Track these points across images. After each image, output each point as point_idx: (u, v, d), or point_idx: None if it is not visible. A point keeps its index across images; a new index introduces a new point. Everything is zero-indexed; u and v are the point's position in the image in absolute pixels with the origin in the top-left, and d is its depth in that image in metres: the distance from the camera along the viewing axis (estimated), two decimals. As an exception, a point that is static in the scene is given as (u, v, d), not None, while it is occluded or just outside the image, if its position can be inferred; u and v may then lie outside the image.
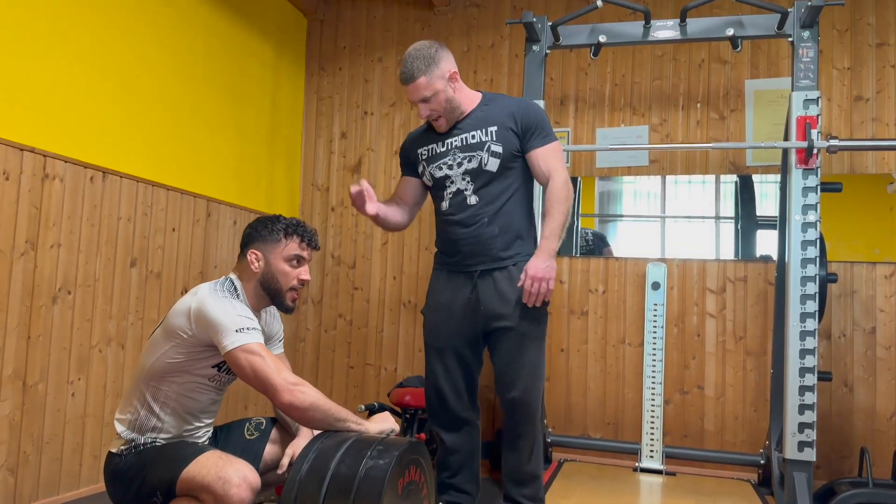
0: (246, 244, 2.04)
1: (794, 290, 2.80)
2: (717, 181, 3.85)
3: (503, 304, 2.36)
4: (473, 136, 2.40)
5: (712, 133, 3.78)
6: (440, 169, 2.43)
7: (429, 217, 4.13)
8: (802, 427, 2.74)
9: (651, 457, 3.33)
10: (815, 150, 2.78)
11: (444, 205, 2.45)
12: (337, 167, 4.33)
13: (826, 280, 2.93)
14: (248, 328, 1.84)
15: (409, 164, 2.55)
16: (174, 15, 3.21)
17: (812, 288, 2.78)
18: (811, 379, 2.76)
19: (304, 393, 1.81)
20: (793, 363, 2.78)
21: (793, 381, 2.78)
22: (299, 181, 4.37)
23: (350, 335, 4.21)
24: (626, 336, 3.75)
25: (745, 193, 3.78)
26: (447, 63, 2.34)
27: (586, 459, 3.70)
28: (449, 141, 2.43)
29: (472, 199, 2.39)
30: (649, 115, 3.85)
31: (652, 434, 3.28)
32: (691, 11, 2.97)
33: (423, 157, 2.48)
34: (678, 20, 3.00)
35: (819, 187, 2.82)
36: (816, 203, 2.81)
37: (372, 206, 2.37)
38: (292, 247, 2.02)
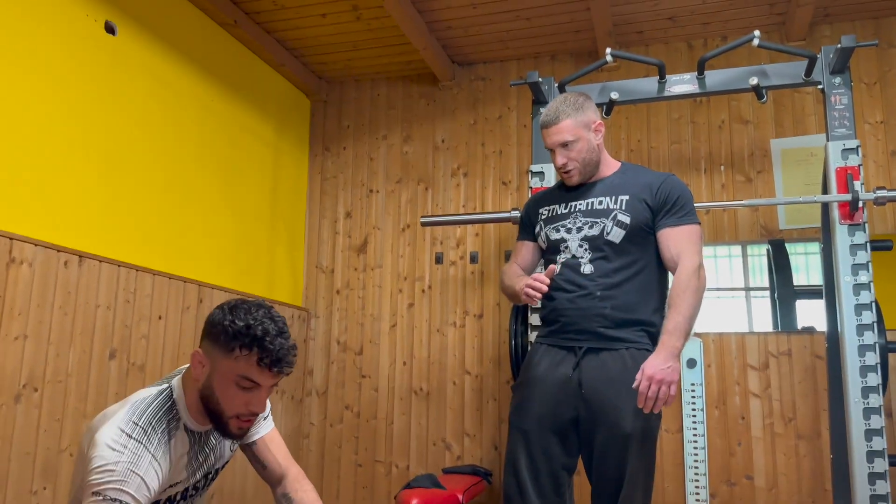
0: (202, 335, 1.54)
1: (851, 362, 2.47)
2: (744, 251, 3.57)
3: (610, 395, 2.01)
4: (601, 203, 2.16)
5: (739, 196, 3.52)
6: (557, 231, 2.19)
7: (439, 297, 3.86)
8: (878, 523, 2.35)
9: (700, 561, 2.91)
10: (860, 203, 2.50)
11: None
12: (342, 248, 4.11)
13: (887, 349, 2.59)
14: (110, 497, 1.37)
15: (528, 225, 2.34)
16: (164, 91, 3.08)
17: (872, 358, 2.45)
18: (881, 465, 2.38)
19: None
20: (858, 447, 2.41)
21: (860, 468, 2.40)
22: (303, 263, 4.15)
23: (358, 429, 3.87)
24: (663, 421, 3.37)
25: (780, 260, 3.47)
26: (593, 113, 2.19)
27: (625, 565, 3.26)
28: (573, 203, 2.21)
29: (587, 269, 2.12)
30: (670, 179, 3.61)
31: (699, 534, 2.87)
32: (710, 62, 2.77)
33: (542, 217, 2.27)
34: (695, 73, 2.80)
35: (868, 244, 2.53)
36: (867, 262, 2.51)
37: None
38: (243, 365, 1.45)
